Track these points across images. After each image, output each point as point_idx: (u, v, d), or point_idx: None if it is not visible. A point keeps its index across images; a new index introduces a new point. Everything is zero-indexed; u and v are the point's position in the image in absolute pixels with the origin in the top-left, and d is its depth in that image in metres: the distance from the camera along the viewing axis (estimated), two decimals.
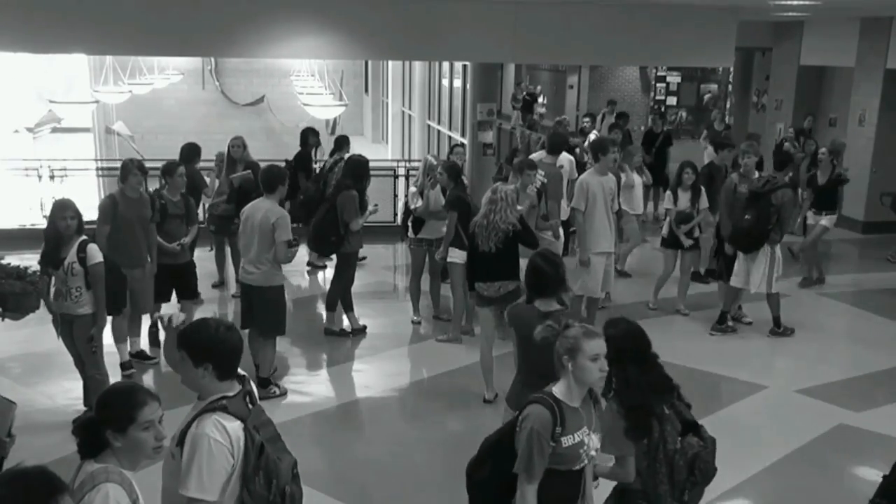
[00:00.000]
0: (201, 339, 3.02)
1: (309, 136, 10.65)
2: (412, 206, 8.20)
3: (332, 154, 10.38)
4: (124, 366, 6.90)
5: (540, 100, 23.77)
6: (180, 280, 7.41)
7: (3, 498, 2.19)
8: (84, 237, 5.80)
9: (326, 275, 10.28)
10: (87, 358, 5.97)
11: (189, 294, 7.58)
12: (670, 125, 21.44)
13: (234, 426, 2.93)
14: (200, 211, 8.92)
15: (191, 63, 22.56)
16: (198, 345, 3.01)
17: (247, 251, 6.48)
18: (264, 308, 6.53)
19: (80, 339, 5.90)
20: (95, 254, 5.76)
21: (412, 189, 8.35)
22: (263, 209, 6.37)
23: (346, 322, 8.21)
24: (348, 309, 8.16)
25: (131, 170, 6.84)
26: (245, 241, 6.50)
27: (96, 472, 2.63)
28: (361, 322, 8.28)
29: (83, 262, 5.71)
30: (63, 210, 5.73)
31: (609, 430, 3.56)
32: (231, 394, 3.02)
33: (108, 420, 2.69)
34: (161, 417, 2.77)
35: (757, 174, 8.14)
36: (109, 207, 6.70)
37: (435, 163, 8.29)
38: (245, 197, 8.58)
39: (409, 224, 8.27)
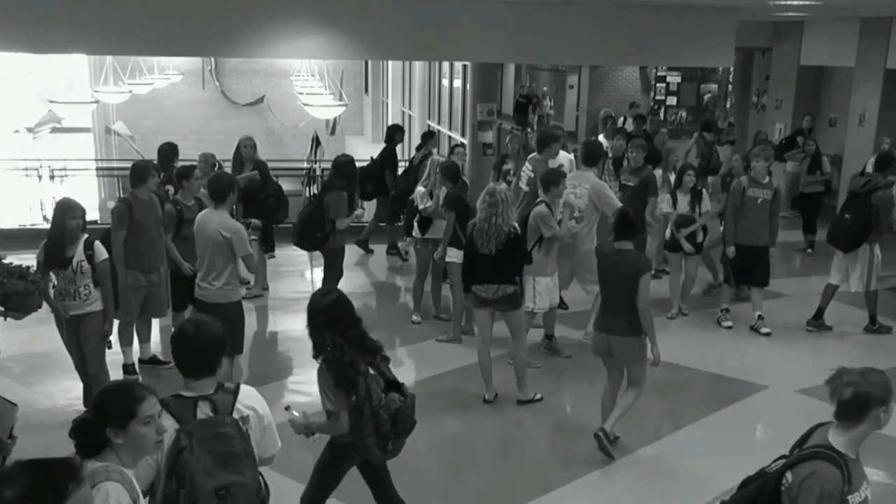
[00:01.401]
0: (174, 334, 3.22)
1: (395, 134, 10.74)
2: (421, 206, 8.15)
3: (419, 149, 10.49)
4: (127, 368, 6.89)
5: (547, 102, 23.56)
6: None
7: (25, 486, 2.16)
8: (87, 235, 5.84)
9: (314, 275, 10.29)
10: (93, 356, 5.96)
11: None
12: (671, 125, 21.41)
13: (167, 422, 2.92)
14: None
15: (191, 63, 22.53)
16: (172, 339, 3.23)
17: (200, 266, 6.15)
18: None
19: (90, 337, 5.91)
20: (101, 251, 5.84)
21: (420, 189, 8.28)
22: (214, 222, 5.97)
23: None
24: None
25: (150, 172, 6.79)
26: (199, 255, 6.16)
27: (96, 471, 2.62)
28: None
29: (91, 260, 5.77)
30: (72, 210, 5.76)
31: (323, 386, 4.03)
32: (187, 394, 3.07)
33: (108, 418, 2.69)
34: (160, 412, 2.80)
35: (767, 178, 8.10)
36: (125, 212, 6.60)
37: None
38: (251, 198, 8.63)
39: (416, 224, 8.24)
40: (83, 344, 5.95)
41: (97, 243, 5.83)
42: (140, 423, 2.69)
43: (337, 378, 3.98)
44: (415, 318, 8.44)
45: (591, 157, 8.00)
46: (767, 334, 8.22)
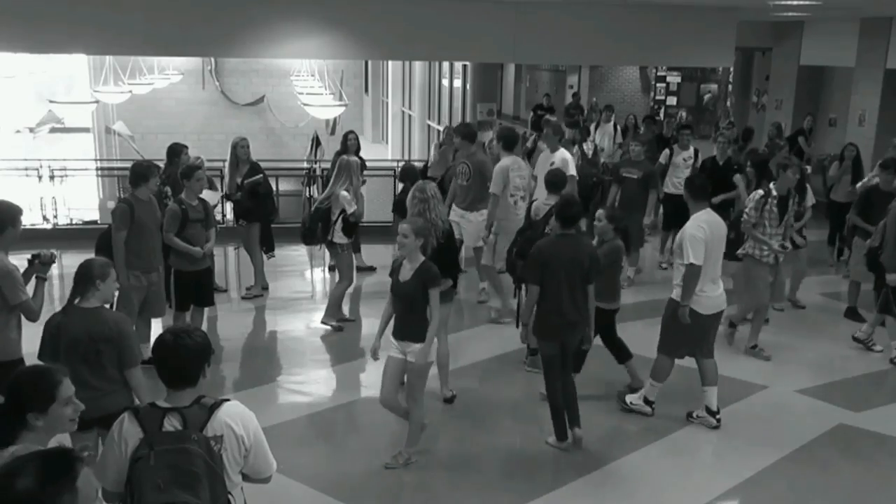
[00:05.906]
0: (154, 342, 3.13)
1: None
2: (349, 211, 7.67)
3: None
4: None
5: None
6: (200, 287, 7.21)
7: (36, 473, 2.17)
8: None
9: (314, 275, 10.31)
10: None
11: (207, 301, 7.34)
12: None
13: (132, 429, 2.91)
14: None
15: (191, 63, 22.56)
16: (153, 347, 3.14)
17: None
18: None
19: None
20: None
21: (344, 193, 7.70)
22: None
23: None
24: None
25: (154, 172, 6.78)
26: None
27: (17, 453, 2.57)
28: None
29: None
30: None
31: None
32: (161, 404, 2.99)
33: (29, 402, 2.73)
34: (74, 390, 2.86)
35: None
36: (127, 213, 6.55)
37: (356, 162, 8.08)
38: (258, 199, 8.68)
39: (340, 229, 7.79)
40: None
41: None
42: (60, 405, 2.76)
43: None
44: (333, 323, 8.12)
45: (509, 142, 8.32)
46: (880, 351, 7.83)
